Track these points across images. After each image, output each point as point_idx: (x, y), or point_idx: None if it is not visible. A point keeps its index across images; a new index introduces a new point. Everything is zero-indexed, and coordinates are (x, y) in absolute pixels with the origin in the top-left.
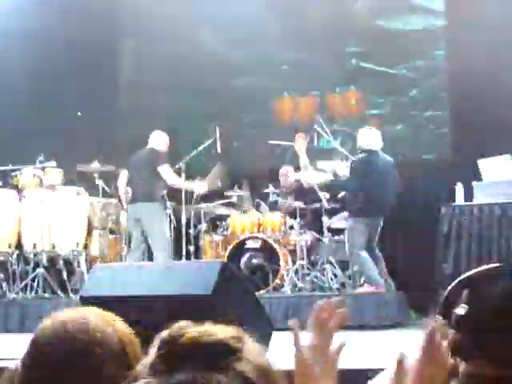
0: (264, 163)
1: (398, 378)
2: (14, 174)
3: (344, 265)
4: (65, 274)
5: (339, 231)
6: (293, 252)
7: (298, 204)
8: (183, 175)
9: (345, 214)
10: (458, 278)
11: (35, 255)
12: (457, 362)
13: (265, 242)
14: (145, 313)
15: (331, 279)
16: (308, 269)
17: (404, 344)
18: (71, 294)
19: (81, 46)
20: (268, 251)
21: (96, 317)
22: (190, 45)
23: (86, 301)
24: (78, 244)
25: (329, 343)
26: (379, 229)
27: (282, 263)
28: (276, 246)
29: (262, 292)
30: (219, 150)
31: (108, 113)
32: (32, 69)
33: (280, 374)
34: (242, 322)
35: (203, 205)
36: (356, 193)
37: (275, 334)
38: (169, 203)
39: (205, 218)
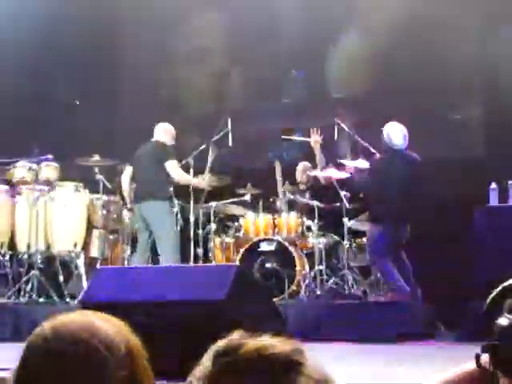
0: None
1: None
2: (7, 167)
3: (366, 271)
4: (61, 277)
5: (361, 234)
6: (310, 256)
7: (317, 203)
8: (191, 171)
9: (367, 215)
10: (500, 287)
11: (29, 256)
12: (498, 375)
13: (280, 244)
14: (154, 319)
15: (352, 286)
16: (327, 274)
17: (431, 361)
18: (68, 299)
19: (81, 33)
20: (283, 255)
21: (101, 319)
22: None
23: (88, 305)
24: (75, 244)
25: None
26: (406, 233)
27: (298, 268)
28: (292, 249)
29: (276, 299)
30: (231, 144)
31: (111, 102)
32: (28, 56)
33: None
34: (257, 329)
35: (213, 203)
36: (376, 195)
37: None
38: (175, 201)
39: (215, 217)
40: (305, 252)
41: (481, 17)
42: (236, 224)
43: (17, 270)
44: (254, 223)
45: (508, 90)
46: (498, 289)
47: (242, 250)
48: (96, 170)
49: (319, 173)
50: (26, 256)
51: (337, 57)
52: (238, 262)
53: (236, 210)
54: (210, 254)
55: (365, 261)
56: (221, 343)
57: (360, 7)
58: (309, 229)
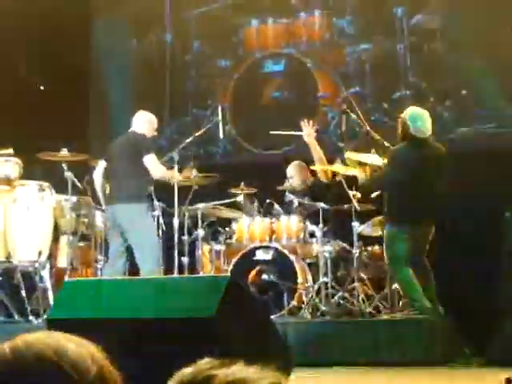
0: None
1: None
2: None
3: (379, 283)
4: (23, 292)
5: (373, 240)
6: (314, 266)
7: (322, 205)
8: (176, 167)
9: (380, 218)
10: None
11: None
12: None
13: (278, 252)
14: (130, 339)
15: (363, 301)
16: (333, 288)
17: None
18: (31, 317)
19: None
20: (282, 265)
21: (69, 340)
22: None
23: (55, 324)
24: (40, 253)
25: None
26: (429, 237)
27: (300, 280)
28: (293, 258)
29: (274, 317)
30: (222, 136)
31: (82, 89)
32: None
33: None
34: (253, 352)
35: (201, 205)
36: (393, 192)
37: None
38: (157, 203)
39: (203, 221)
40: (308, 262)
41: None
42: (227, 229)
43: None
44: (248, 228)
45: None
46: None
47: (234, 260)
48: (64, 166)
49: (324, 167)
50: None
51: None
52: (229, 273)
53: (227, 212)
54: (198, 264)
55: (378, 272)
56: (187, 372)
57: None
58: (312, 235)
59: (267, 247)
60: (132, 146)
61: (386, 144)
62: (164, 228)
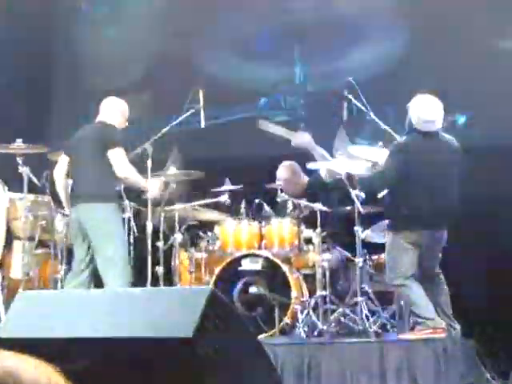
0: (270, 147)
1: None
2: None
3: (386, 297)
4: None
5: (379, 248)
6: (311, 277)
7: (320, 207)
8: (149, 162)
9: (386, 222)
10: None
11: None
12: None
13: (269, 262)
14: (95, 361)
15: (367, 318)
16: (333, 303)
17: None
18: None
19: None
20: (273, 276)
21: (24, 362)
22: None
23: (7, 344)
24: None
25: None
26: (441, 244)
27: (293, 294)
28: (286, 268)
29: (263, 336)
30: (203, 125)
31: (42, 71)
32: None
33: None
34: (238, 379)
35: (178, 206)
36: (399, 193)
37: None
38: (127, 203)
39: (181, 225)
40: (303, 272)
41: None
42: (209, 234)
43: None
44: (233, 233)
45: None
46: None
47: (217, 270)
48: (19, 159)
49: (330, 165)
50: None
51: None
52: (211, 286)
53: (210, 214)
54: (174, 275)
55: (384, 284)
56: None
57: None
58: (309, 241)
59: (256, 255)
60: (99, 137)
61: (397, 136)
62: (135, 232)
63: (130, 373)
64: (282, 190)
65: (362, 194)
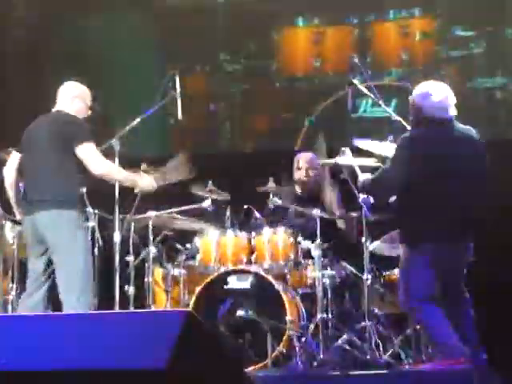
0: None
1: None
2: None
3: (399, 321)
4: None
5: (391, 262)
6: (310, 298)
7: (320, 213)
8: (117, 161)
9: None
10: None
11: None
12: None
13: (260, 279)
14: None
15: (376, 346)
16: (336, 328)
17: None
18: None
19: None
20: (265, 296)
21: None
22: None
23: None
24: None
25: None
26: (465, 259)
27: (289, 317)
28: (280, 286)
29: (254, 368)
30: (180, 117)
31: None
32: None
33: None
34: None
35: (152, 213)
36: (411, 196)
37: None
38: (91, 211)
39: (155, 236)
40: (301, 292)
41: None
42: (189, 246)
43: None
44: (217, 245)
45: None
46: None
47: (198, 289)
48: None
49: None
50: None
51: None
52: (191, 307)
53: (189, 223)
54: (147, 295)
55: (397, 306)
56: None
57: None
58: (308, 254)
59: (244, 272)
60: (59, 131)
61: (409, 127)
62: (101, 244)
63: None
64: (274, 194)
65: (371, 199)
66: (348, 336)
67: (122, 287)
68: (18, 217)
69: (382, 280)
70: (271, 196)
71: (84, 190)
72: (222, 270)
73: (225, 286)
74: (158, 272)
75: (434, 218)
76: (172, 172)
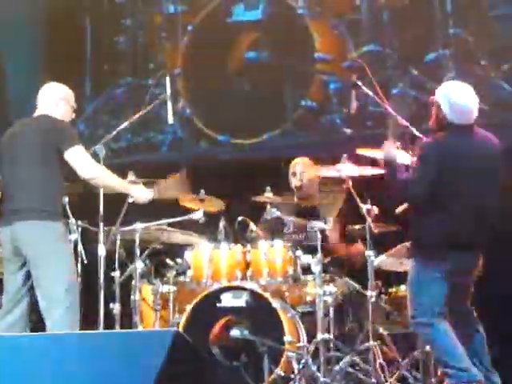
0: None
1: None
2: None
3: (406, 342)
4: None
5: (397, 278)
6: (309, 317)
7: (320, 225)
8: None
9: (407, 245)
10: None
11: None
12: None
13: (255, 296)
14: None
15: (382, 369)
16: (338, 349)
17: None
18: None
19: None
20: (261, 315)
21: None
22: None
23: None
24: None
25: None
26: (474, 274)
27: (287, 338)
28: (277, 304)
29: None
30: (171, 121)
31: None
32: None
33: None
34: None
35: (139, 225)
36: (427, 207)
37: None
38: (73, 222)
39: (142, 250)
40: (300, 310)
41: None
42: (179, 261)
43: None
44: (210, 260)
45: None
46: None
47: (189, 307)
48: None
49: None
50: None
51: None
52: (181, 327)
53: (179, 236)
54: (134, 314)
55: (404, 325)
56: None
57: None
58: (307, 269)
59: (239, 288)
60: (45, 138)
61: (416, 132)
62: (84, 259)
63: None
64: (271, 204)
65: (375, 209)
66: (351, 358)
67: (106, 305)
68: None
69: (386, 297)
70: (268, 207)
71: (66, 199)
72: (215, 286)
73: (218, 304)
74: (146, 289)
75: (453, 231)
76: (171, 188)
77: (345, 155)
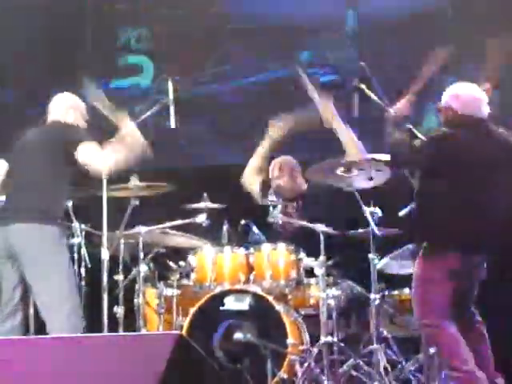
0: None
1: None
2: None
3: (410, 344)
4: None
5: (401, 281)
6: (313, 320)
7: (323, 228)
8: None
9: (410, 247)
10: None
11: None
12: None
13: (258, 299)
14: None
15: (386, 372)
16: (342, 352)
17: None
18: None
19: None
20: (264, 318)
21: None
22: None
23: None
24: None
25: None
26: (480, 275)
27: (290, 340)
28: (280, 307)
29: None
30: (173, 125)
31: None
32: None
33: None
34: None
35: (143, 228)
36: (432, 205)
37: None
38: (76, 225)
39: (146, 253)
40: (303, 313)
41: None
42: (183, 264)
43: None
44: (213, 263)
45: None
46: None
47: (192, 310)
48: None
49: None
50: None
51: None
52: (184, 331)
53: (183, 239)
54: (137, 317)
55: (408, 328)
56: None
57: None
58: (310, 272)
59: (242, 291)
60: (56, 140)
61: (423, 138)
62: (88, 263)
63: None
64: (274, 207)
65: (378, 212)
66: (354, 361)
67: (110, 308)
68: None
69: (390, 300)
70: (271, 209)
71: (69, 203)
72: (219, 289)
73: (221, 308)
74: (150, 292)
75: (460, 228)
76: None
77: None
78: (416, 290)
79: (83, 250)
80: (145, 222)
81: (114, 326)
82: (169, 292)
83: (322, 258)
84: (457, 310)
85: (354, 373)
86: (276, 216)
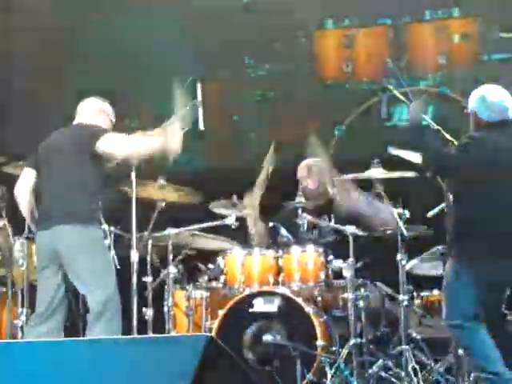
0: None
1: None
2: None
3: (439, 346)
4: None
5: (431, 282)
6: (342, 321)
7: (352, 230)
8: (133, 174)
9: (441, 249)
10: None
11: None
12: None
13: (287, 301)
14: None
15: (415, 373)
16: (371, 353)
17: None
18: None
19: None
20: (294, 320)
21: None
22: None
23: None
24: None
25: None
26: (509, 278)
27: (320, 342)
28: (309, 309)
29: None
30: (202, 127)
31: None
32: None
33: None
34: None
35: (172, 230)
36: (461, 210)
37: None
38: (106, 227)
39: (175, 255)
40: (332, 315)
41: None
42: (212, 266)
43: None
44: (242, 265)
45: None
46: None
47: (221, 312)
48: None
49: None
50: None
51: None
52: (214, 332)
53: (212, 242)
54: (167, 319)
55: (437, 329)
56: None
57: None
58: (339, 274)
59: (271, 293)
60: (84, 140)
61: (450, 138)
62: (117, 264)
63: None
64: (303, 210)
65: (406, 213)
66: (383, 362)
67: (139, 310)
68: (26, 233)
69: (419, 302)
70: (299, 212)
71: (100, 205)
72: (248, 291)
73: (250, 309)
74: (179, 294)
75: (490, 231)
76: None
77: (376, 159)
78: (445, 292)
79: (112, 252)
80: (174, 223)
81: (142, 328)
82: (198, 294)
83: (351, 259)
84: (486, 312)
85: (383, 374)
86: (305, 217)
